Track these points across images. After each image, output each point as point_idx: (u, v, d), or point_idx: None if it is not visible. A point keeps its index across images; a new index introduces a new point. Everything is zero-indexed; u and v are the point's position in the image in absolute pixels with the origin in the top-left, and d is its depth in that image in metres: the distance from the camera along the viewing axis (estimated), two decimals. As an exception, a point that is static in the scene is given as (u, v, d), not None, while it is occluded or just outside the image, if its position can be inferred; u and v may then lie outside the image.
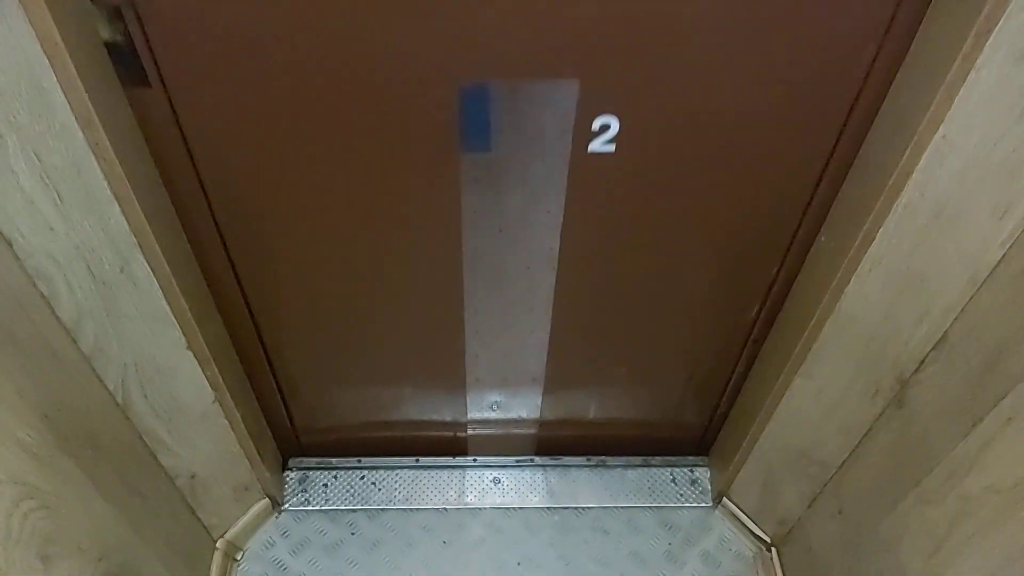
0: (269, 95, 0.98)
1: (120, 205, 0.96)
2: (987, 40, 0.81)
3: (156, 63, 0.93)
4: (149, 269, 1.05)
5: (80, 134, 0.87)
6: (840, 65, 0.97)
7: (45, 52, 0.80)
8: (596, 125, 1.03)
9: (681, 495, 1.77)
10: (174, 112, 0.99)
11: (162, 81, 0.96)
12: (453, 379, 1.56)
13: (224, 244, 1.20)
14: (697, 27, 0.92)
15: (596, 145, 1.06)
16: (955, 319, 1.03)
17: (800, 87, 0.99)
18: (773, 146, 1.07)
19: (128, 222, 0.98)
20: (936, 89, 0.87)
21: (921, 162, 0.93)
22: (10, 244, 0.91)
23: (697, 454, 1.82)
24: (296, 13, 0.89)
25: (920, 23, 0.91)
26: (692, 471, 1.80)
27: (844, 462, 1.33)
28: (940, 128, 0.89)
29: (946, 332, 1.05)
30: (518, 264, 1.26)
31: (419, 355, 1.48)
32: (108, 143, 0.89)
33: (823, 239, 1.17)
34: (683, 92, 0.99)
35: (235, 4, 0.88)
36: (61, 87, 0.83)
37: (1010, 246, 0.94)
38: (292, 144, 1.04)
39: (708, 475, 1.79)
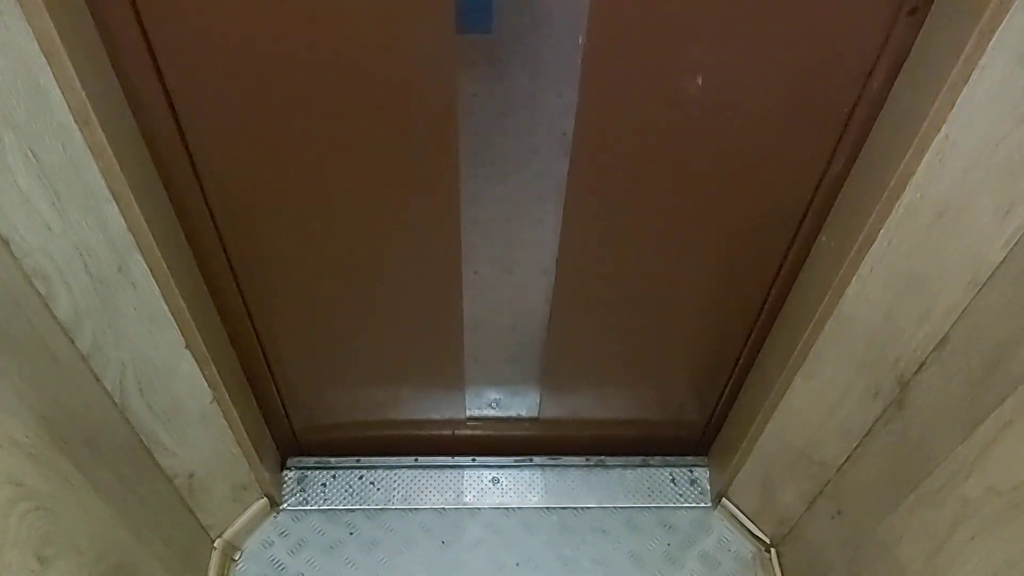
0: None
1: (118, 204, 0.95)
2: (990, 40, 0.80)
3: (156, 63, 0.93)
4: (147, 269, 1.04)
5: (78, 133, 0.87)
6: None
7: (42, 50, 0.79)
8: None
9: (680, 495, 1.76)
10: (173, 110, 0.99)
11: (162, 82, 0.95)
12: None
13: (222, 243, 1.19)
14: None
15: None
16: (956, 320, 1.03)
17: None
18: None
19: (126, 222, 0.98)
20: (939, 89, 0.86)
21: (923, 162, 0.92)
22: (7, 243, 0.90)
23: (696, 454, 1.82)
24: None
25: (923, 23, 0.91)
26: (691, 471, 1.80)
27: (844, 463, 1.33)
28: (942, 128, 0.88)
29: (947, 333, 1.05)
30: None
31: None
32: (106, 142, 0.89)
33: (824, 239, 1.17)
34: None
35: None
36: (59, 85, 0.82)
37: (1012, 247, 0.93)
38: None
39: (707, 475, 1.79)
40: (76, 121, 0.86)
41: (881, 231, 1.01)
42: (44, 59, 0.80)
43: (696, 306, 1.36)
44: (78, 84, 0.83)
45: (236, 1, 0.87)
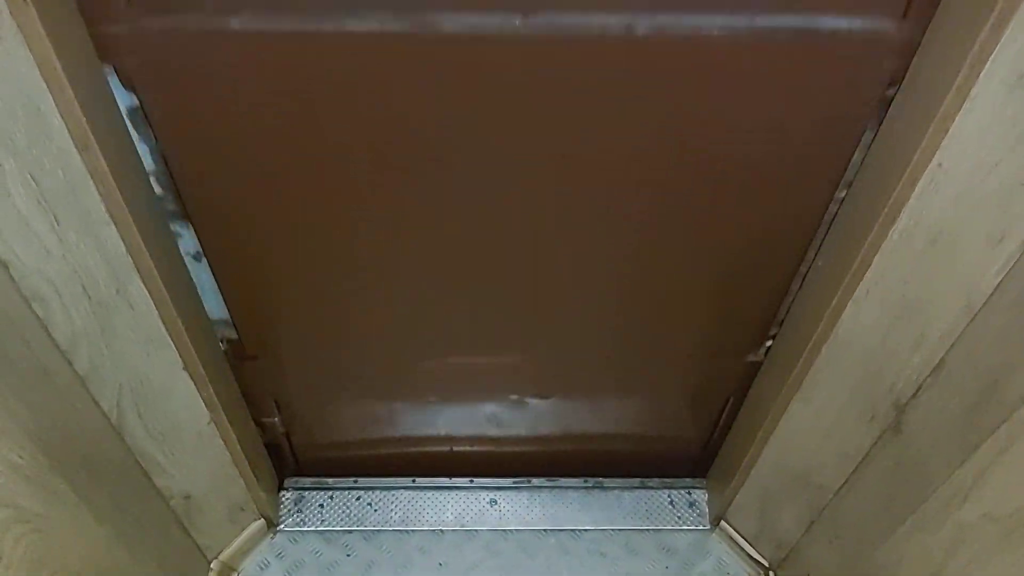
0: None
1: (117, 228, 0.96)
2: (981, 70, 0.81)
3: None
4: (145, 291, 1.05)
5: (77, 157, 0.87)
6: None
7: (43, 76, 0.80)
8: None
9: (679, 518, 1.76)
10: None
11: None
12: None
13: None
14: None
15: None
16: (952, 346, 1.03)
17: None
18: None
19: (125, 245, 0.98)
20: (931, 118, 0.87)
21: (916, 189, 0.93)
22: (6, 266, 0.91)
23: (695, 476, 1.81)
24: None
25: (915, 52, 0.91)
26: (690, 493, 1.79)
27: (842, 487, 1.32)
28: (935, 156, 0.89)
29: (943, 359, 1.05)
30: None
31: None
32: (106, 166, 0.90)
33: (820, 264, 1.17)
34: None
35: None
36: (59, 111, 0.83)
37: (1005, 274, 0.94)
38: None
39: (706, 497, 1.78)
40: (76, 146, 0.86)
41: (876, 256, 1.01)
42: (44, 85, 0.81)
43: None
44: (78, 110, 0.84)
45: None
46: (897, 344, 1.09)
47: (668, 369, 1.47)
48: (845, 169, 1.05)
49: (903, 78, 0.94)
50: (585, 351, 1.42)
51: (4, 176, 0.85)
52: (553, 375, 1.49)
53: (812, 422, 1.29)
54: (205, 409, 1.28)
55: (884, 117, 0.98)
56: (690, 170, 1.06)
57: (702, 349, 1.42)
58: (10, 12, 0.75)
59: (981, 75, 0.81)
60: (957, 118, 0.85)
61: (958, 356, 1.02)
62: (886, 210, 0.96)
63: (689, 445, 1.72)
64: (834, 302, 1.10)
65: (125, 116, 0.96)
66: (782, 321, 1.31)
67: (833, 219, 1.12)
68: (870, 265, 1.02)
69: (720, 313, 1.32)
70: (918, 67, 0.91)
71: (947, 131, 0.87)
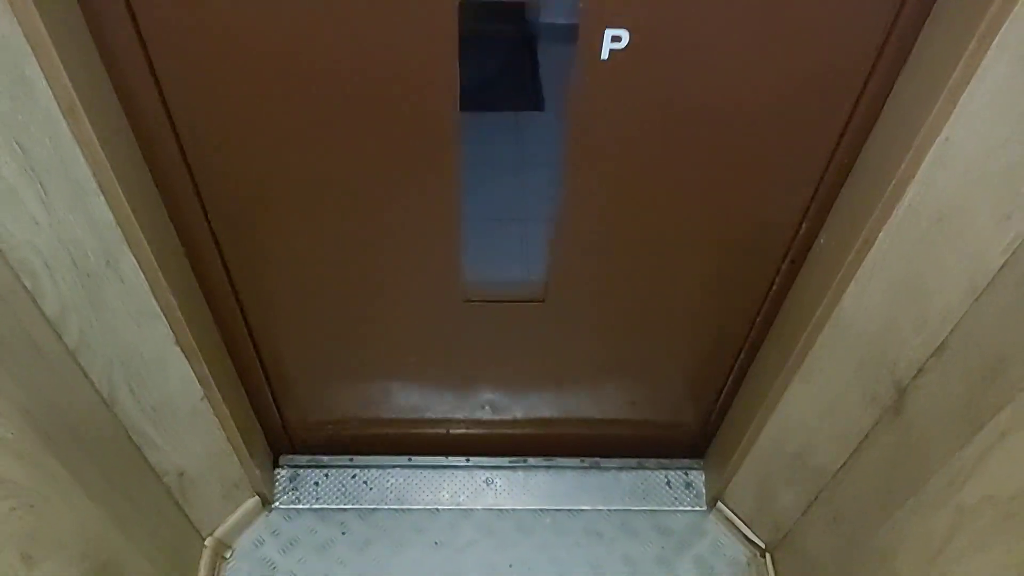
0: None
1: (106, 197, 0.94)
2: (991, 42, 0.79)
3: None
4: (136, 263, 1.03)
5: (64, 124, 0.86)
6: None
7: (28, 40, 0.78)
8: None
9: (676, 498, 1.75)
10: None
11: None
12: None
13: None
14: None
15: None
16: (955, 326, 1.01)
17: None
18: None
19: (114, 215, 0.96)
20: (939, 92, 0.85)
21: (923, 165, 0.91)
22: (-7, 237, 0.89)
23: (693, 456, 1.81)
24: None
25: (923, 24, 0.89)
26: (687, 474, 1.78)
27: (841, 468, 1.31)
28: (943, 131, 0.87)
29: (945, 339, 1.03)
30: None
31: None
32: (93, 134, 0.87)
33: (823, 241, 1.15)
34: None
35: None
36: (44, 76, 0.81)
37: (1011, 253, 0.92)
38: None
39: (703, 478, 1.78)
40: (63, 112, 0.84)
41: (880, 234, 1.00)
42: (29, 49, 0.79)
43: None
44: (64, 75, 0.82)
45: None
46: (900, 324, 1.08)
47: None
48: (847, 122, 1.03)
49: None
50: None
51: (-10, 143, 0.83)
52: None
53: (812, 403, 1.28)
54: (198, 385, 1.26)
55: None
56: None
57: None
58: (-7, -26, 0.73)
59: (991, 47, 0.79)
60: (965, 92, 0.83)
61: (961, 337, 1.01)
62: (891, 186, 0.95)
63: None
64: (836, 280, 1.08)
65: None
66: (783, 298, 1.29)
67: (835, 195, 1.10)
68: (874, 243, 1.01)
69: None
70: (927, 38, 0.89)
71: (955, 105, 0.85)
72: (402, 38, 0.91)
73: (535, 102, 2.17)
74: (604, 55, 0.93)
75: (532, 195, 1.76)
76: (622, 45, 0.92)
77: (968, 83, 0.83)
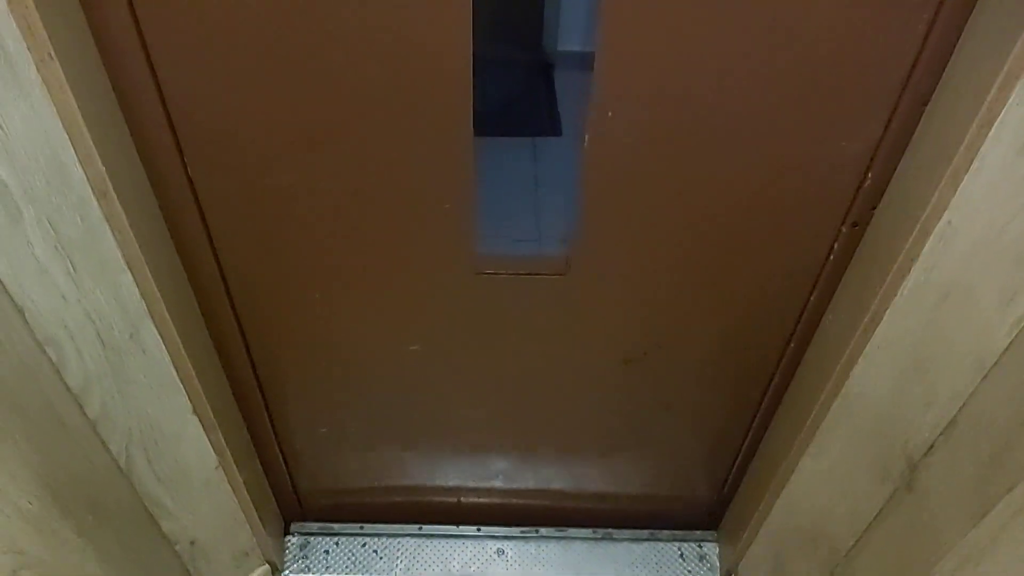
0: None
1: (132, 274, 0.97)
2: (989, 132, 0.82)
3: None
4: (158, 336, 1.06)
5: (95, 205, 0.89)
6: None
7: (65, 127, 0.82)
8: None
9: (689, 571, 1.73)
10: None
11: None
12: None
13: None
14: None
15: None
16: (963, 404, 1.02)
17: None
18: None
19: (140, 290, 0.99)
20: (941, 176, 0.87)
21: (927, 246, 0.93)
22: (22, 312, 0.92)
23: (706, 528, 1.79)
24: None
25: (924, 110, 0.92)
26: (700, 546, 1.76)
27: (854, 545, 1.30)
28: (944, 215, 0.89)
29: (954, 417, 1.04)
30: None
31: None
32: (123, 214, 0.91)
33: (830, 318, 1.17)
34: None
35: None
36: (79, 160, 0.85)
37: (1017, 333, 0.93)
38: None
39: (717, 551, 1.76)
40: (94, 194, 0.88)
41: (887, 312, 1.01)
42: (66, 136, 0.83)
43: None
44: (98, 159, 0.86)
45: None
46: (909, 401, 1.08)
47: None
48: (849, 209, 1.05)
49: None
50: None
51: (24, 224, 0.86)
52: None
53: (823, 478, 1.27)
54: (213, 454, 1.28)
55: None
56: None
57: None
58: (36, 67, 0.77)
59: (989, 136, 0.82)
60: (966, 177, 0.86)
61: (970, 415, 1.01)
62: (897, 265, 0.96)
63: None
64: (844, 356, 1.09)
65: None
66: (793, 373, 1.30)
67: (843, 271, 1.12)
68: (881, 320, 1.02)
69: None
70: (927, 124, 0.92)
71: (956, 189, 0.87)
72: (416, 62, 0.91)
73: (553, 128, 2.24)
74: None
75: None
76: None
77: (968, 169, 0.85)
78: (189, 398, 1.16)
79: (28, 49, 0.77)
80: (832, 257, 1.12)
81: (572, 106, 2.25)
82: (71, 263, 0.93)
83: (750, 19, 0.86)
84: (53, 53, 0.78)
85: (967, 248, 0.92)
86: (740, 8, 0.85)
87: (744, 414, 1.43)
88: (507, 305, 1.21)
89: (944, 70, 0.89)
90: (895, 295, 0.99)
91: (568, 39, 2.62)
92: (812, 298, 1.18)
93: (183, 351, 1.10)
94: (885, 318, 1.02)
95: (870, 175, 1.01)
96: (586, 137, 0.97)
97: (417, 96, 0.92)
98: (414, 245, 1.11)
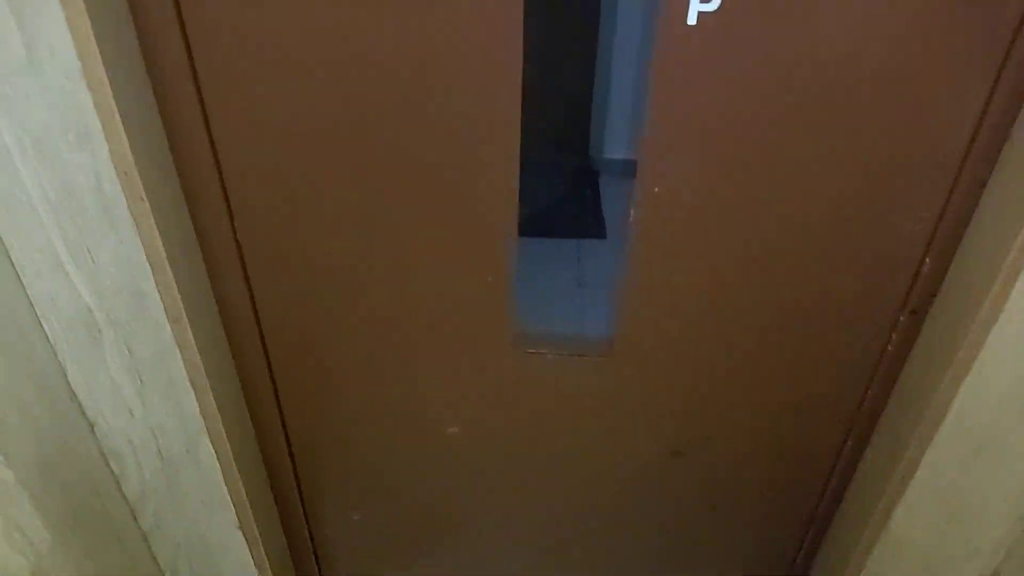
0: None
1: (196, 393, 1.04)
2: (1013, 286, 0.85)
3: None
4: (213, 452, 1.11)
5: (168, 329, 0.96)
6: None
7: (149, 261, 0.91)
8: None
9: None
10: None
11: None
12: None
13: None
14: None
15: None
16: (1004, 557, 1.00)
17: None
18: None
19: (200, 408, 1.05)
20: (968, 327, 0.90)
21: (959, 394, 0.94)
22: (92, 426, 0.99)
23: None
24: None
25: (950, 263, 0.96)
26: None
27: None
28: (974, 364, 0.91)
29: (997, 568, 1.02)
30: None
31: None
32: (193, 339, 0.98)
33: (868, 457, 1.17)
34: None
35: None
36: (159, 290, 0.93)
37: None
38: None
39: None
40: (168, 319, 0.96)
41: (923, 460, 1.01)
42: (148, 267, 0.91)
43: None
44: (175, 287, 0.94)
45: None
46: (951, 549, 1.07)
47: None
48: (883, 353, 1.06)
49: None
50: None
51: (103, 346, 0.94)
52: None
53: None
54: (254, 568, 1.30)
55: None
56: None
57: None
58: (128, 208, 0.86)
59: (1013, 290, 0.85)
60: (993, 329, 0.88)
61: (1013, 569, 1.00)
62: (930, 411, 0.97)
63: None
64: (883, 501, 1.09)
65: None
66: (831, 518, 1.28)
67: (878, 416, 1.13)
68: (917, 468, 1.02)
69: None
70: (951, 280, 0.95)
71: (983, 342, 0.89)
72: (467, 163, 0.96)
73: (598, 230, 2.42)
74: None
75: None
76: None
77: (996, 321, 0.88)
78: (236, 513, 1.20)
79: (123, 191, 0.86)
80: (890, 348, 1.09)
81: (616, 210, 2.32)
82: (141, 381, 0.99)
83: (791, 120, 0.87)
84: (144, 196, 0.87)
85: (998, 399, 0.93)
86: (781, 110, 0.86)
87: (781, 561, 1.40)
88: (549, 385, 1.22)
89: (1001, 150, 0.88)
90: (930, 442, 0.99)
91: (613, 147, 2.79)
92: (869, 392, 1.15)
93: (234, 467, 1.14)
94: (923, 463, 1.02)
95: (928, 259, 0.99)
96: (630, 239, 0.99)
97: (467, 192, 0.97)
98: (457, 326, 1.14)
